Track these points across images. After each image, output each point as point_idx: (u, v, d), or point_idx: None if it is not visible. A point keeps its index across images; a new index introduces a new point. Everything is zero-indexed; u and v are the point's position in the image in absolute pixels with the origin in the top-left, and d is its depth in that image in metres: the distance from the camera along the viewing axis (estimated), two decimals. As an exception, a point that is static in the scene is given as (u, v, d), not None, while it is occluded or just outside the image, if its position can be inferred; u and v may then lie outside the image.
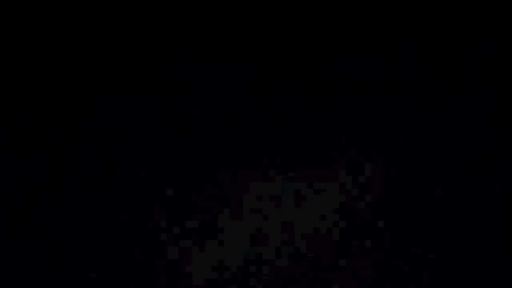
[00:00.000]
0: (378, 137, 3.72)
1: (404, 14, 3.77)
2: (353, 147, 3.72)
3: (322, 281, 3.62)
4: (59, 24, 3.82)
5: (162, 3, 3.82)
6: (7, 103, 3.78)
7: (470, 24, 3.76)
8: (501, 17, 3.76)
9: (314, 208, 3.68)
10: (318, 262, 3.64)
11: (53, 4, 3.82)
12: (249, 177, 3.71)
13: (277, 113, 3.75)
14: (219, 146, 3.74)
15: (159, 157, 3.73)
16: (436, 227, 3.64)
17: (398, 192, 3.67)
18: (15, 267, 3.65)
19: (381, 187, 3.68)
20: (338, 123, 3.74)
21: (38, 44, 3.81)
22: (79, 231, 3.67)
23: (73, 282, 3.63)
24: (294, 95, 3.76)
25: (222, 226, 3.67)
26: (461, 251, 3.62)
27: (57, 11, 3.82)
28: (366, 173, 3.70)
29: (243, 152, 3.73)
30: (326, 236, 3.65)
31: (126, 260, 3.64)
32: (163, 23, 3.82)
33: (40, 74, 3.80)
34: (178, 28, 3.81)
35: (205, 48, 3.80)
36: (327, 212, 3.67)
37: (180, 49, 3.80)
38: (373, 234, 3.64)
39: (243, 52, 3.78)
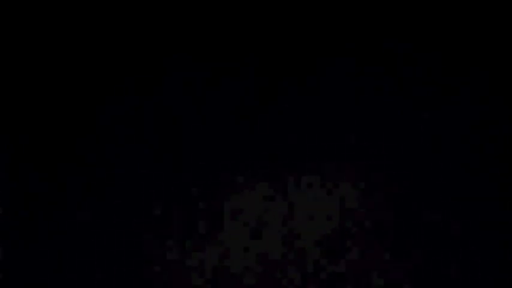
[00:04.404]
0: (378, 137, 3.72)
1: (405, 14, 3.77)
2: (354, 147, 3.72)
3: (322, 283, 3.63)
4: (57, 25, 3.82)
5: (162, 3, 3.82)
6: (7, 103, 3.78)
7: (469, 24, 3.76)
8: (501, 18, 3.76)
9: (313, 210, 3.68)
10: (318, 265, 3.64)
11: (52, 4, 3.82)
12: (248, 177, 3.71)
13: (277, 114, 3.75)
14: (218, 145, 3.74)
15: (158, 157, 3.73)
16: (438, 228, 3.65)
17: (399, 193, 3.68)
18: (16, 268, 3.65)
19: (382, 188, 3.68)
20: (338, 123, 3.74)
21: (39, 44, 3.81)
22: (79, 232, 3.67)
23: (73, 282, 3.63)
24: (294, 95, 3.76)
25: (222, 227, 3.67)
26: (461, 252, 3.63)
27: (56, 11, 3.82)
28: (367, 173, 3.70)
29: (243, 152, 3.73)
30: (327, 238, 3.66)
31: (125, 261, 3.65)
32: (164, 23, 3.82)
33: (40, 75, 3.80)
34: (178, 28, 3.81)
35: (206, 48, 3.80)
36: (327, 214, 3.67)
37: (180, 49, 3.80)
38: (373, 236, 3.65)
39: (243, 52, 3.79)
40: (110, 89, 3.78)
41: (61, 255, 3.65)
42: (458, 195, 3.65)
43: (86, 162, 3.72)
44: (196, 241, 3.66)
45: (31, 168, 3.72)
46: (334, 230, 3.66)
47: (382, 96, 3.73)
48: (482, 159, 3.67)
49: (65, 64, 3.80)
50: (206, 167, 3.72)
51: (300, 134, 3.73)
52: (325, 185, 3.68)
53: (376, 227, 3.65)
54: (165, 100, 3.77)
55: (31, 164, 3.73)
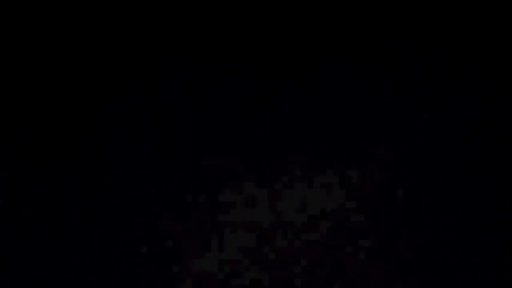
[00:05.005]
0: (378, 137, 3.72)
1: (405, 14, 3.77)
2: (354, 147, 3.72)
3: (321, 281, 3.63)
4: (56, 24, 3.82)
5: (162, 2, 3.82)
6: (7, 103, 3.78)
7: (469, 24, 3.76)
8: (501, 18, 3.76)
9: (315, 208, 3.68)
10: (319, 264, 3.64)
11: (52, 4, 3.82)
12: (248, 176, 3.71)
13: (276, 114, 3.75)
14: (218, 145, 3.74)
15: (158, 157, 3.73)
16: (438, 228, 3.65)
17: (399, 193, 3.68)
18: (16, 268, 3.65)
19: (382, 188, 3.68)
20: (338, 123, 3.74)
21: (38, 44, 3.81)
22: (79, 232, 3.67)
23: (73, 283, 3.63)
24: (294, 95, 3.76)
25: (222, 227, 3.67)
26: (461, 251, 3.63)
27: (56, 11, 3.82)
28: (367, 174, 3.70)
29: (243, 152, 3.73)
30: (327, 237, 3.66)
31: (125, 262, 3.65)
32: (163, 23, 3.82)
33: (40, 75, 3.80)
34: (178, 28, 3.81)
35: (206, 48, 3.80)
36: (327, 213, 3.67)
37: (180, 49, 3.80)
38: (372, 236, 3.65)
39: (243, 52, 3.79)
40: (110, 89, 3.78)
41: (61, 255, 3.65)
42: (458, 195, 3.65)
43: (86, 162, 3.72)
44: (196, 240, 3.66)
45: (31, 168, 3.72)
46: (335, 229, 3.66)
47: (382, 96, 3.74)
48: (482, 159, 3.67)
49: (65, 64, 3.80)
50: (206, 167, 3.72)
51: (300, 134, 3.73)
52: (326, 184, 3.68)
53: (375, 227, 3.65)
54: (165, 100, 3.77)
55: (31, 164, 3.73)
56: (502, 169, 3.66)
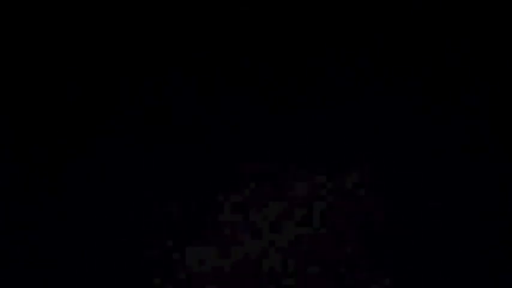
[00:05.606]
0: (378, 137, 3.73)
1: (405, 15, 3.79)
2: (354, 147, 3.73)
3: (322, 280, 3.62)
4: (57, 26, 3.84)
5: (157, 6, 3.84)
6: (7, 103, 3.79)
7: (469, 24, 3.78)
8: (501, 18, 3.78)
9: (313, 212, 3.68)
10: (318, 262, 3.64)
11: (51, 5, 3.84)
12: (248, 176, 3.71)
13: (277, 114, 3.76)
14: (218, 145, 3.75)
15: (158, 156, 3.74)
16: (437, 229, 3.65)
17: (400, 194, 3.68)
18: (13, 268, 3.65)
19: (382, 188, 3.69)
20: (338, 123, 3.75)
21: (35, 47, 3.83)
22: (78, 231, 3.68)
23: (73, 282, 3.63)
24: (294, 96, 3.77)
25: (222, 226, 3.67)
26: (462, 251, 3.63)
27: (55, 12, 3.85)
28: (366, 175, 3.70)
29: (243, 152, 3.74)
30: (328, 238, 3.66)
31: (124, 261, 3.65)
32: (163, 23, 3.83)
33: (40, 75, 3.81)
34: (178, 28, 3.83)
35: (206, 49, 3.81)
36: (328, 213, 3.68)
37: (180, 49, 3.82)
38: (372, 237, 3.65)
39: (243, 52, 3.80)
40: (110, 88, 3.80)
41: (61, 255, 3.65)
42: (458, 195, 3.66)
43: (85, 161, 3.73)
44: (196, 239, 3.66)
45: (31, 168, 3.73)
46: (337, 229, 3.66)
47: (383, 96, 3.75)
48: (482, 159, 3.68)
49: (65, 64, 3.82)
50: (206, 167, 3.72)
51: (300, 134, 3.74)
52: (326, 184, 3.69)
53: (376, 227, 3.65)
54: (165, 100, 3.78)
55: (31, 164, 3.73)
56: (502, 169, 3.67)
